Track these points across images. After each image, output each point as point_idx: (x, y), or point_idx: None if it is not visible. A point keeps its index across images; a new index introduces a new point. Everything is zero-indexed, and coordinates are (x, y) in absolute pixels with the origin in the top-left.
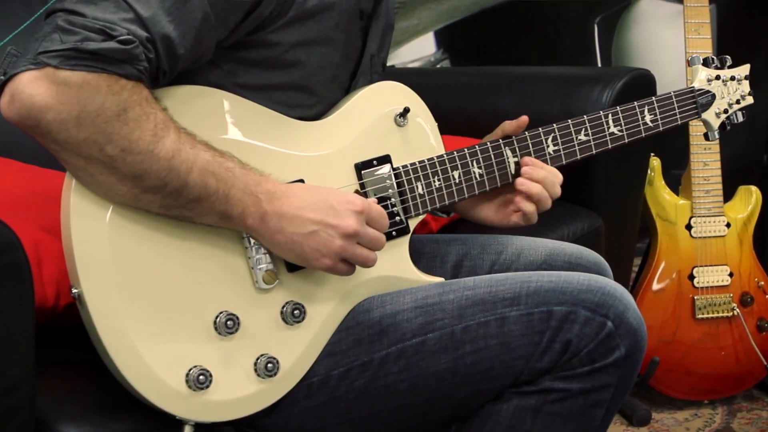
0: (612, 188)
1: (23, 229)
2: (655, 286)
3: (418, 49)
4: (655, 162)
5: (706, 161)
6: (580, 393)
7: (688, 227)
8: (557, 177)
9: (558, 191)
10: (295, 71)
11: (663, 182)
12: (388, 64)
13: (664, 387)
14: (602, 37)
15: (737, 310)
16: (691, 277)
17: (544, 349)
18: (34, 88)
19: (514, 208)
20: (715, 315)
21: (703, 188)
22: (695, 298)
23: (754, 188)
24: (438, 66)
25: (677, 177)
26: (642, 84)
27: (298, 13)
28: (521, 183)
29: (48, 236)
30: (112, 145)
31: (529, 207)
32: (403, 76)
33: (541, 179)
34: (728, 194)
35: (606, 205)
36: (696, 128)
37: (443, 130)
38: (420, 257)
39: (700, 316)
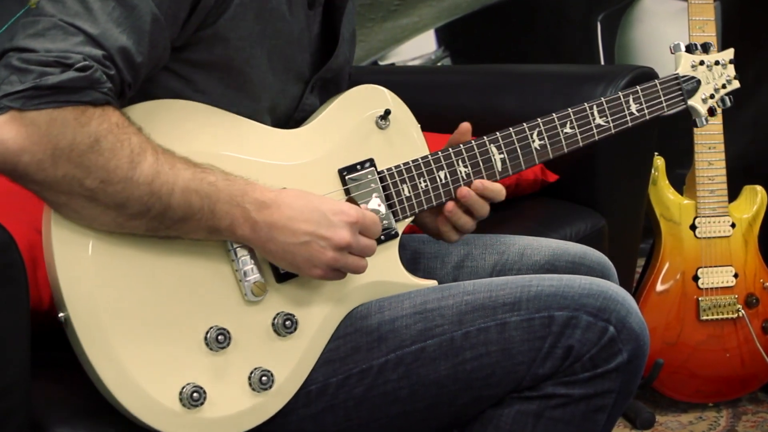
0: (615, 188)
1: (18, 230)
2: (659, 288)
3: (419, 47)
4: (659, 161)
5: (710, 160)
6: (582, 398)
7: (693, 227)
8: (495, 196)
9: (485, 213)
10: (250, 67)
11: (667, 182)
12: (388, 62)
13: (668, 389)
14: (605, 34)
15: (742, 311)
16: (696, 278)
17: (545, 354)
18: (4, 133)
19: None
20: (720, 316)
21: (707, 188)
22: (700, 299)
23: (759, 188)
24: (439, 64)
25: (681, 177)
26: (645, 82)
27: (244, 1)
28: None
29: None
30: (91, 177)
31: (444, 224)
32: (404, 74)
33: (470, 204)
34: (733, 194)
35: (609, 205)
36: (700, 127)
37: (444, 129)
38: (420, 257)
39: (705, 317)
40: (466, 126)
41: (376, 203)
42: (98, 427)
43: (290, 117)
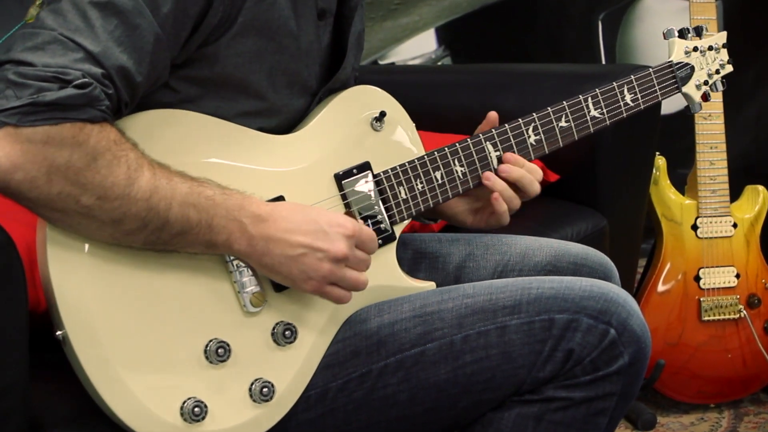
0: (617, 188)
1: (16, 230)
2: (661, 288)
3: (419, 46)
4: (661, 161)
5: (712, 160)
6: (582, 401)
7: (694, 228)
8: (536, 174)
9: (535, 189)
10: (249, 83)
11: (668, 182)
12: (388, 61)
13: (669, 390)
14: (606, 33)
15: (744, 312)
16: (697, 279)
17: (546, 358)
18: None
19: (490, 209)
20: (722, 317)
21: (709, 188)
22: (701, 299)
23: (761, 188)
24: (439, 63)
25: (683, 176)
26: (639, 71)
27: (246, 20)
28: (486, 177)
29: None
30: (87, 195)
31: (501, 206)
32: (404, 73)
33: (517, 178)
34: (735, 194)
35: (611, 205)
36: (702, 126)
37: (444, 129)
38: (422, 258)
39: (707, 318)
40: (493, 115)
41: (367, 186)
42: (96, 429)
43: (292, 128)
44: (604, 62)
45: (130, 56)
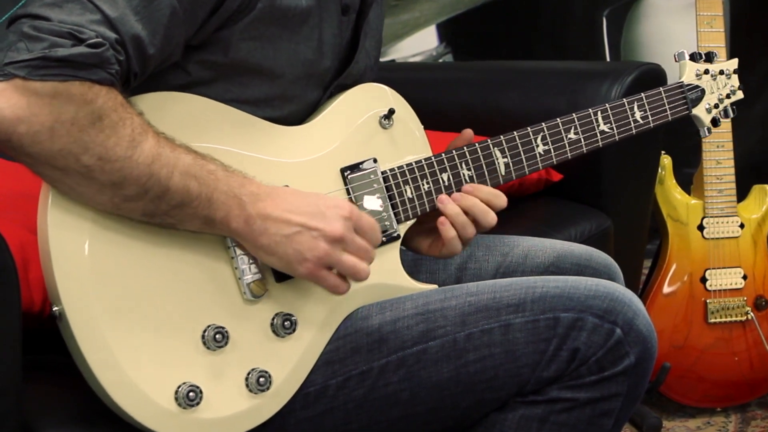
0: (621, 188)
1: (9, 230)
2: (666, 289)
3: (420, 43)
4: (666, 160)
5: (718, 159)
6: (588, 402)
7: (700, 228)
8: (496, 202)
9: (490, 221)
10: (263, 69)
11: (674, 181)
12: (388, 58)
13: (675, 394)
14: (611, 30)
15: (751, 314)
16: (704, 280)
17: (550, 357)
18: (3, 101)
19: (442, 239)
20: (729, 319)
21: (715, 187)
22: (707, 301)
23: None
24: (440, 60)
25: (689, 176)
26: (652, 79)
27: (265, 6)
28: (440, 200)
29: (35, 238)
30: (89, 154)
31: (449, 232)
32: (404, 70)
33: (468, 207)
34: (742, 194)
35: (615, 205)
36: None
37: (445, 128)
38: (422, 259)
39: (713, 320)
40: (468, 133)
41: (377, 203)
42: (91, 431)
43: (302, 119)
44: (608, 59)
45: (144, 26)
